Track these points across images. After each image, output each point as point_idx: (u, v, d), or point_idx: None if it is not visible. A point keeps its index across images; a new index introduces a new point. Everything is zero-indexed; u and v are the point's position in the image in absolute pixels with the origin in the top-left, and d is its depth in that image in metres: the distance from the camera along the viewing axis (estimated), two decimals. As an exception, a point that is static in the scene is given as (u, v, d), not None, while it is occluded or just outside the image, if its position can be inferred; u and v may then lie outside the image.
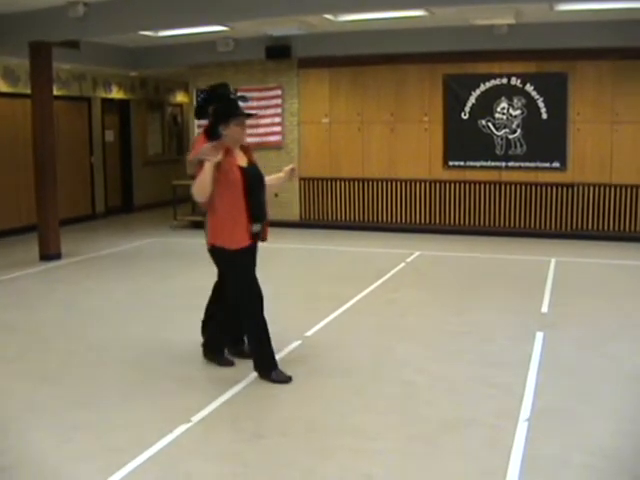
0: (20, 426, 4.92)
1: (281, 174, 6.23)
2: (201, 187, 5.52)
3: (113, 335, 7.14)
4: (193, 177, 5.68)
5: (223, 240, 5.67)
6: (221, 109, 5.75)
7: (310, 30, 12.31)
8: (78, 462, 4.37)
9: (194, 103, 14.80)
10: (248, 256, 5.80)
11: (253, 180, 5.75)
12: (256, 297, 5.83)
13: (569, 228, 12.86)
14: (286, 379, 5.69)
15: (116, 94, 16.62)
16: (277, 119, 14.25)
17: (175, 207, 14.59)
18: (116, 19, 10.23)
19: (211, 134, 5.68)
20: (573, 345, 6.68)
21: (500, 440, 4.62)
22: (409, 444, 4.63)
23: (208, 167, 5.44)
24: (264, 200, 5.92)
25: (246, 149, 5.93)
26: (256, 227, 5.76)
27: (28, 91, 11.34)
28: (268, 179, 6.10)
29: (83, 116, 15.72)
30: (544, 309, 7.96)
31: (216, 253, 5.80)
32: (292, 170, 6.23)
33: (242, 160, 5.79)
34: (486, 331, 7.15)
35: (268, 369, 5.74)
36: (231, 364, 6.10)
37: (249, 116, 5.96)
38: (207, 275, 9.81)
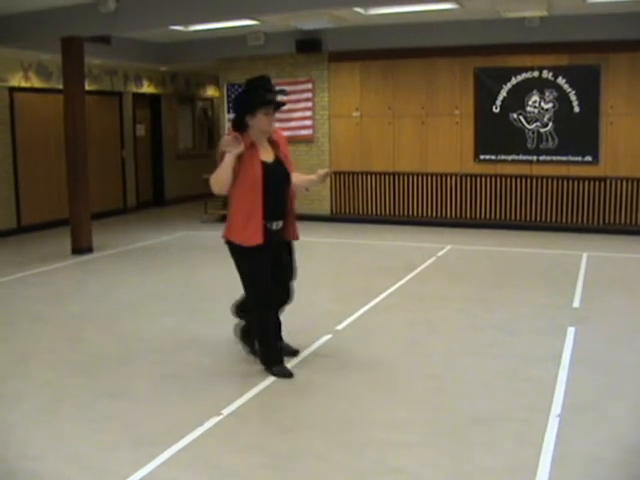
0: (51, 417, 4.98)
1: (313, 176, 5.92)
2: (218, 179, 5.44)
3: (144, 327, 7.19)
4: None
5: (235, 235, 5.58)
6: (248, 98, 5.61)
7: (340, 24, 12.30)
8: (109, 453, 4.41)
9: (225, 97, 14.85)
10: (261, 254, 5.58)
11: (274, 177, 5.57)
12: (265, 297, 5.69)
13: (601, 222, 12.74)
14: (288, 374, 5.67)
15: (147, 89, 16.71)
16: (308, 113, 14.24)
17: (206, 201, 14.64)
18: (147, 14, 10.29)
19: (237, 125, 5.57)
20: (604, 341, 6.63)
21: (531, 435, 4.60)
22: (439, 438, 4.62)
23: (228, 159, 5.35)
24: (286, 198, 5.74)
25: (275, 143, 5.74)
26: (274, 225, 5.64)
27: (60, 86, 11.45)
28: (297, 178, 5.91)
29: (114, 111, 15.83)
30: (576, 304, 7.90)
31: (230, 247, 5.71)
32: (326, 174, 5.90)
33: (268, 154, 5.63)
34: (517, 325, 7.11)
35: (269, 365, 5.73)
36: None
37: (278, 106, 5.79)
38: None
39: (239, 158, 5.38)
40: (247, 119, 5.52)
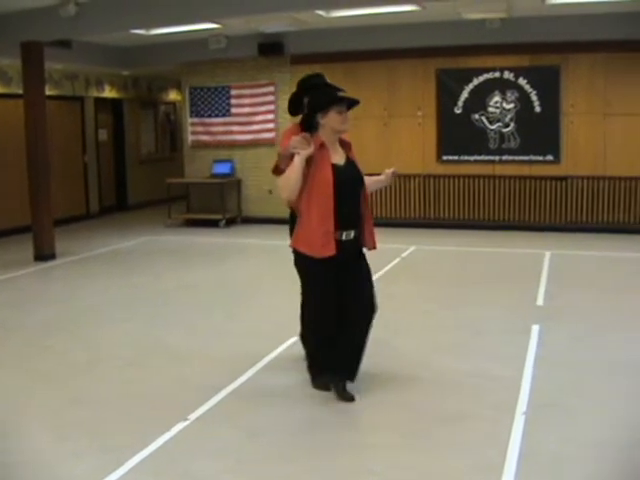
0: (17, 425, 4.92)
1: (382, 177, 5.57)
2: (288, 183, 4.99)
3: (108, 333, 7.13)
4: (280, 172, 5.21)
5: (304, 245, 5.12)
6: (319, 95, 5.25)
7: (302, 26, 12.31)
8: (75, 461, 4.36)
9: (187, 101, 14.80)
10: (329, 268, 5.12)
11: (346, 181, 5.11)
12: (324, 316, 5.23)
13: (563, 221, 12.87)
14: (326, 388, 5.37)
15: (109, 93, 16.59)
16: (270, 116, 14.22)
17: (170, 205, 14.57)
18: (108, 18, 10.22)
19: (307, 124, 5.18)
20: (569, 338, 6.69)
21: (498, 434, 4.63)
22: (409, 438, 4.63)
23: (297, 161, 4.93)
24: (359, 203, 5.24)
25: (347, 144, 5.34)
26: (344, 235, 5.12)
27: (21, 91, 11.31)
28: (367, 180, 5.44)
29: (76, 116, 15.69)
30: (539, 302, 7.97)
31: (295, 256, 5.28)
32: (393, 173, 5.55)
33: (339, 157, 5.19)
34: (482, 325, 7.15)
35: (314, 375, 5.44)
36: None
37: (353, 103, 5.28)
38: (201, 273, 9.87)
39: (308, 160, 4.98)
40: (318, 117, 5.11)
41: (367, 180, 5.41)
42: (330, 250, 5.04)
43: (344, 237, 5.10)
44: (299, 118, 5.53)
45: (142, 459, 4.34)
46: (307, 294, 5.41)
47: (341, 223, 5.06)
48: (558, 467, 4.20)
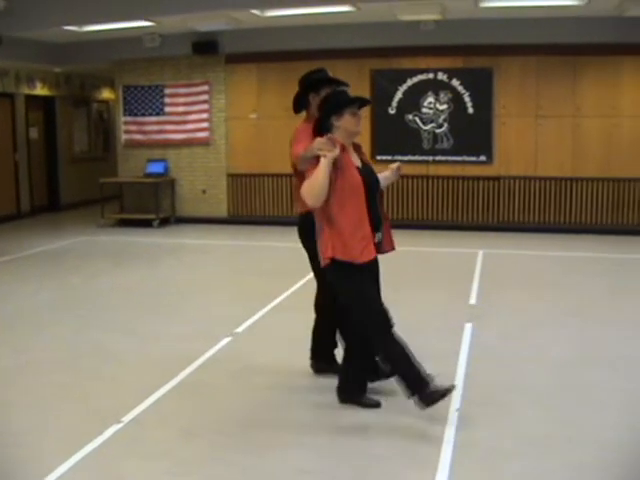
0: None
1: (387, 173, 5.46)
2: (318, 188, 4.68)
3: (40, 336, 7.00)
4: (301, 174, 5.00)
5: (345, 252, 4.82)
6: (332, 97, 5.04)
7: (237, 25, 12.27)
8: (7, 466, 4.28)
9: (121, 99, 14.63)
10: (370, 272, 5.02)
11: (373, 183, 5.03)
12: (385, 318, 4.97)
13: (496, 220, 13.08)
14: (375, 404, 5.16)
15: (40, 90, 16.30)
16: (204, 115, 14.15)
17: (103, 205, 14.38)
18: (39, 14, 10.07)
19: (320, 126, 4.95)
20: (501, 335, 6.80)
21: (432, 431, 4.69)
22: (341, 437, 4.66)
23: (325, 164, 4.66)
24: (380, 205, 5.15)
25: (358, 147, 5.19)
26: (378, 236, 5.02)
27: (-52, 88, 11.07)
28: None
29: (6, 113, 15.37)
30: (472, 301, 8.08)
31: (337, 268, 4.90)
32: (398, 168, 5.48)
33: (356, 159, 5.04)
34: (415, 324, 7.19)
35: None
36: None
37: (366, 103, 5.18)
38: (136, 274, 9.77)
39: (332, 164, 4.73)
40: (333, 120, 4.92)
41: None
42: (371, 253, 4.91)
43: (377, 239, 4.99)
44: (302, 116, 5.53)
45: (75, 463, 4.27)
46: (359, 305, 4.97)
47: (373, 225, 4.94)
48: (492, 462, 4.27)
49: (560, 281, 9.14)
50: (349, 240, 4.81)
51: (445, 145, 13.10)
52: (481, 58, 12.79)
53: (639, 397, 5.30)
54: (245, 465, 4.28)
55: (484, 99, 12.85)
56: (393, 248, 5.27)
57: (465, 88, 12.90)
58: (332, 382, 5.61)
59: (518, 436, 4.61)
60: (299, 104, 5.56)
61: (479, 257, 10.52)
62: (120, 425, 4.81)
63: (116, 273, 9.90)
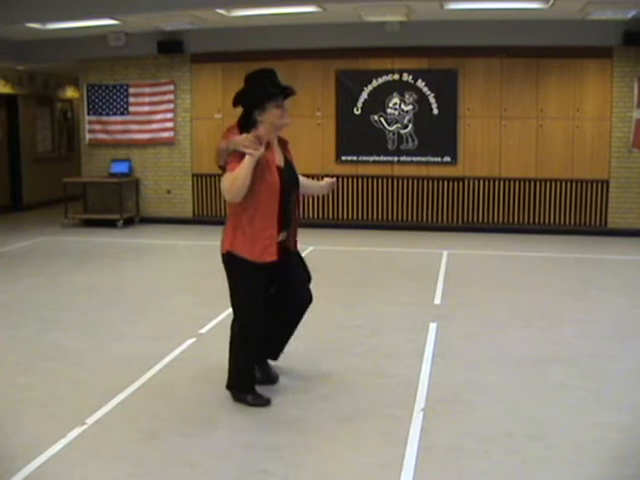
0: None
1: (322, 183, 5.47)
2: (237, 184, 4.69)
3: (0, 338, 6.93)
4: (222, 169, 4.93)
5: (244, 248, 4.88)
6: (255, 90, 4.97)
7: (202, 25, 12.23)
8: (-34, 470, 4.23)
9: (85, 98, 14.51)
10: (265, 273, 5.00)
11: (289, 184, 4.99)
12: (257, 323, 5.08)
13: (460, 221, 13.17)
14: (265, 402, 5.17)
15: (2, 89, 16.11)
16: (169, 115, 14.09)
17: (66, 205, 14.25)
18: (1, 10, 9.96)
19: (244, 123, 4.92)
20: (465, 335, 6.85)
21: (396, 431, 4.70)
22: (304, 438, 4.66)
23: (248, 162, 4.66)
24: (294, 205, 5.13)
25: (284, 142, 5.15)
26: (282, 235, 5.02)
27: None
28: (305, 181, 5.41)
29: (-33, 112, 15.23)
30: (437, 301, 8.13)
31: (232, 261, 4.95)
32: (332, 184, 5.47)
33: (279, 157, 5.02)
34: (379, 324, 7.24)
35: (244, 393, 5.18)
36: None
37: (289, 94, 5.01)
38: (99, 274, 9.70)
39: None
40: (256, 115, 4.90)
41: (303, 181, 5.34)
42: (271, 255, 4.92)
43: (280, 238, 5.00)
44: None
45: (37, 467, 4.22)
46: (238, 297, 5.08)
47: (280, 225, 4.95)
48: (456, 461, 4.30)
49: (524, 281, 9.22)
50: (253, 238, 4.86)
51: (410, 146, 13.15)
52: (446, 59, 12.87)
53: (601, 396, 5.36)
54: (206, 466, 4.26)
55: (449, 100, 12.93)
56: (296, 248, 5.31)
57: (430, 89, 12.97)
58: (294, 383, 5.62)
59: (481, 435, 4.64)
60: (237, 100, 5.22)
61: (444, 257, 10.58)
62: (83, 427, 4.77)
63: (79, 273, 9.82)
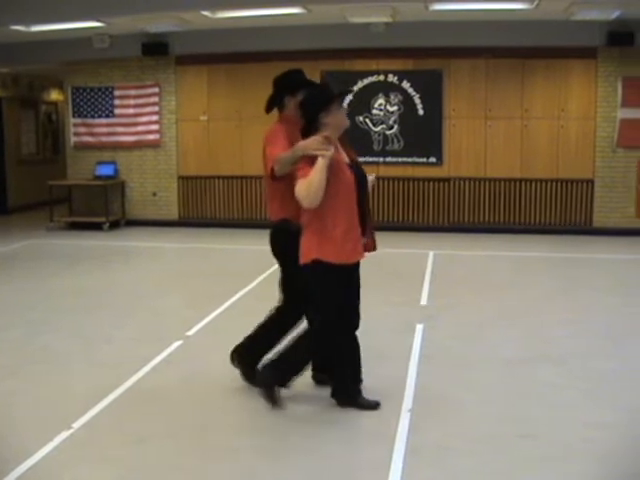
0: None
1: (371, 177, 5.35)
2: (315, 189, 4.59)
3: (-12, 341, 6.90)
4: (277, 178, 4.94)
5: (334, 253, 4.77)
6: (318, 93, 4.97)
7: (187, 27, 12.20)
8: (-47, 475, 4.21)
9: (70, 101, 14.45)
10: (356, 273, 5.04)
11: (362, 180, 4.96)
12: (352, 322, 5.17)
13: (446, 221, 13.20)
14: (373, 405, 5.11)
15: (-14, 91, 16.07)
16: (155, 117, 14.05)
17: (52, 208, 14.20)
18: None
19: (309, 125, 4.82)
20: (452, 335, 6.87)
21: (385, 431, 4.71)
22: (293, 439, 4.67)
23: (322, 164, 4.57)
24: (367, 204, 5.07)
25: (345, 142, 5.06)
26: (367, 234, 5.00)
27: None
28: None
29: (-49, 115, 15.13)
30: (423, 301, 8.14)
31: (318, 269, 4.81)
32: (373, 180, 5.39)
33: (345, 156, 4.96)
34: (366, 325, 7.19)
35: (354, 397, 5.14)
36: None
37: (346, 93, 4.93)
38: (86, 277, 9.67)
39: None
40: (321, 117, 4.79)
41: None
42: (360, 253, 4.90)
43: (364, 239, 4.96)
44: (274, 116, 5.39)
45: (24, 471, 4.20)
46: (331, 304, 4.94)
47: (362, 223, 4.89)
48: (443, 461, 4.31)
49: (510, 281, 9.25)
50: (341, 241, 4.76)
51: (395, 146, 13.17)
52: (431, 60, 12.90)
53: (592, 395, 5.38)
54: (195, 470, 4.26)
55: (434, 101, 12.96)
56: (375, 248, 5.15)
57: (415, 90, 12.99)
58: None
59: (469, 435, 4.66)
60: (273, 104, 5.36)
61: (430, 258, 10.60)
62: (70, 431, 4.75)
63: (67, 276, 9.78)
